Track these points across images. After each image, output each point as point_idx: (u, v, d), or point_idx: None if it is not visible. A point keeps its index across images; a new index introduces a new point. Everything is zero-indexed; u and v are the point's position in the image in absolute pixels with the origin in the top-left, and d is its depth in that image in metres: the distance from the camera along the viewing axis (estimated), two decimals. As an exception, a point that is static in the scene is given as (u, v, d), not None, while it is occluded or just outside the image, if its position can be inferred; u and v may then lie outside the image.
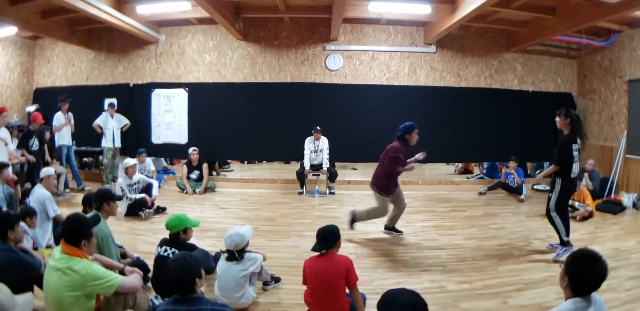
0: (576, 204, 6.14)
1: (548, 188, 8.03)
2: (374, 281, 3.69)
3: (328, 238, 2.93)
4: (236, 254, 3.19)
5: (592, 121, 8.40)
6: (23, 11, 6.91)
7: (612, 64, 7.83)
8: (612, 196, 7.19)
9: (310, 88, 8.33)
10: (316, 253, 2.94)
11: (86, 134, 7.90)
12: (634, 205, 6.83)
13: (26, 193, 5.29)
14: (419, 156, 5.06)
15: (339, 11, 6.60)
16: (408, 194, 7.49)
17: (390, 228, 5.29)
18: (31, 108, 8.43)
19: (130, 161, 6.17)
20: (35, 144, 6.62)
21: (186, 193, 7.36)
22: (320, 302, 2.83)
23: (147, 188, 6.23)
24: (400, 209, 5.21)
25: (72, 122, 7.53)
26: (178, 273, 2.04)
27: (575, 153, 4.38)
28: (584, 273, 1.89)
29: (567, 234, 4.44)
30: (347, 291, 2.84)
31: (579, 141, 4.48)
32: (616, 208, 6.55)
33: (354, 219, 5.11)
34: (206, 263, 3.41)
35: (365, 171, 9.64)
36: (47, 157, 6.98)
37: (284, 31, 8.42)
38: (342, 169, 9.26)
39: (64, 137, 7.46)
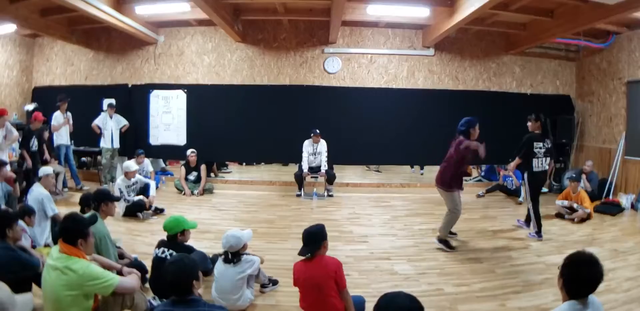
0: (575, 205, 6.15)
1: (546, 190, 8.14)
2: (371, 284, 3.69)
3: (313, 239, 2.86)
4: (229, 255, 3.19)
5: (591, 122, 8.42)
6: (22, 9, 6.90)
7: (611, 65, 7.86)
8: (611, 197, 7.21)
9: (308, 91, 8.33)
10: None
11: (84, 134, 7.88)
12: (632, 206, 6.85)
13: (24, 192, 5.28)
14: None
15: (337, 14, 6.61)
16: (406, 196, 7.60)
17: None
18: (30, 107, 8.43)
19: (132, 166, 6.17)
20: (34, 144, 6.61)
21: (184, 194, 7.35)
22: (313, 306, 2.82)
23: (145, 189, 6.23)
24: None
25: (71, 121, 7.52)
26: (175, 275, 2.03)
27: (538, 150, 5.17)
28: (579, 276, 1.90)
29: (539, 226, 5.21)
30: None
31: (547, 140, 5.25)
32: (614, 209, 6.58)
33: (444, 240, 4.77)
34: (204, 265, 3.40)
35: (364, 173, 9.67)
36: (47, 155, 6.96)
37: (283, 33, 8.43)
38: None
39: (62, 136, 7.44)
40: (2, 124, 6.08)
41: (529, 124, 5.33)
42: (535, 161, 5.17)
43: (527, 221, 5.59)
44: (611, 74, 7.86)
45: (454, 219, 4.81)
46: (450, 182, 4.79)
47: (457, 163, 4.73)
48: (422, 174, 9.56)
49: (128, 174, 6.06)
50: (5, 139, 6.09)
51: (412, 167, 9.96)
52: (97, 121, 7.69)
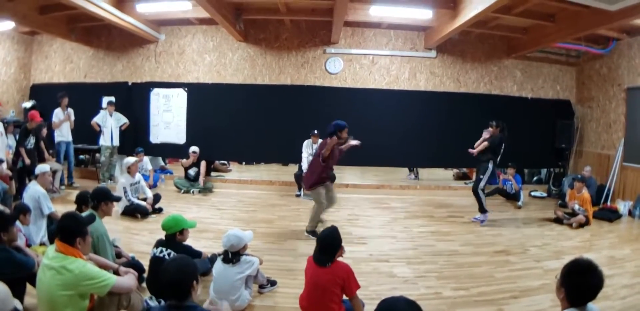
0: (575, 207, 6.16)
1: (545, 194, 8.15)
2: (369, 286, 3.66)
3: (329, 246, 2.84)
4: (230, 255, 3.17)
5: (590, 128, 8.44)
6: (20, 6, 6.86)
7: (611, 71, 7.87)
8: (609, 203, 7.21)
9: (309, 91, 8.33)
10: None
11: (83, 132, 7.84)
12: (630, 213, 6.86)
13: (20, 190, 5.24)
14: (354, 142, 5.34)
15: (340, 14, 6.60)
16: (406, 199, 7.61)
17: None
18: (27, 104, 8.39)
19: (131, 159, 6.12)
20: (31, 142, 6.58)
21: (184, 192, 7.32)
22: (313, 307, 2.82)
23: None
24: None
25: (72, 118, 7.48)
26: (175, 276, 1.99)
27: (501, 150, 6.07)
28: (582, 284, 1.88)
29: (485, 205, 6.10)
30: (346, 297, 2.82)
31: None
32: (612, 215, 6.58)
33: (313, 231, 5.12)
34: (203, 268, 3.37)
35: (364, 175, 9.65)
36: (46, 155, 6.92)
37: (285, 33, 8.42)
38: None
39: (63, 133, 7.41)
40: None
41: (490, 129, 6.07)
42: (498, 157, 6.12)
43: (482, 212, 6.16)
44: (611, 80, 7.87)
45: (319, 213, 5.19)
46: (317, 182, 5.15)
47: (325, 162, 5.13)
48: (417, 178, 9.48)
49: (131, 169, 5.97)
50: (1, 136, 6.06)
51: (411, 172, 9.87)
52: (97, 119, 7.67)
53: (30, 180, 5.37)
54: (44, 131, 6.92)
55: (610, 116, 7.87)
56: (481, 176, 6.08)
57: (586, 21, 6.30)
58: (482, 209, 6.07)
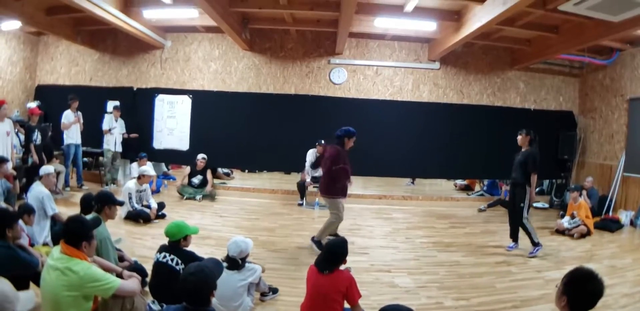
0: (565, 224, 6.18)
1: (547, 205, 8.13)
2: (371, 296, 3.66)
3: (336, 257, 2.88)
4: (240, 261, 3.19)
5: (592, 139, 8.45)
6: (27, 6, 6.92)
7: (614, 82, 7.92)
8: (610, 214, 7.21)
9: (313, 101, 8.36)
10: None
11: (87, 135, 7.82)
12: (632, 223, 6.87)
13: (25, 189, 5.27)
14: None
15: (345, 26, 6.68)
16: (408, 209, 7.60)
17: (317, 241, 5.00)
18: (32, 104, 8.40)
19: (150, 171, 6.16)
20: (38, 138, 6.62)
21: (187, 199, 7.35)
22: None
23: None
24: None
25: (82, 120, 7.50)
26: (196, 286, 2.06)
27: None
28: (584, 292, 1.89)
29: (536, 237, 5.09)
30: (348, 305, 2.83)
31: None
32: (614, 226, 6.59)
33: (319, 242, 4.95)
34: (219, 271, 3.37)
35: (367, 185, 9.65)
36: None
37: (290, 43, 8.50)
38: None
39: (72, 135, 7.42)
40: (3, 115, 5.96)
41: (519, 138, 5.30)
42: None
43: (515, 239, 5.32)
44: (614, 91, 7.91)
45: (333, 225, 4.99)
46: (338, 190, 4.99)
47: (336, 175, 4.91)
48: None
49: (144, 177, 5.98)
50: (8, 135, 6.08)
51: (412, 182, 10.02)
52: (106, 125, 7.69)
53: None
54: (49, 133, 6.96)
55: (613, 126, 7.90)
56: (521, 204, 5.07)
57: (589, 32, 6.35)
58: (533, 242, 5.08)
